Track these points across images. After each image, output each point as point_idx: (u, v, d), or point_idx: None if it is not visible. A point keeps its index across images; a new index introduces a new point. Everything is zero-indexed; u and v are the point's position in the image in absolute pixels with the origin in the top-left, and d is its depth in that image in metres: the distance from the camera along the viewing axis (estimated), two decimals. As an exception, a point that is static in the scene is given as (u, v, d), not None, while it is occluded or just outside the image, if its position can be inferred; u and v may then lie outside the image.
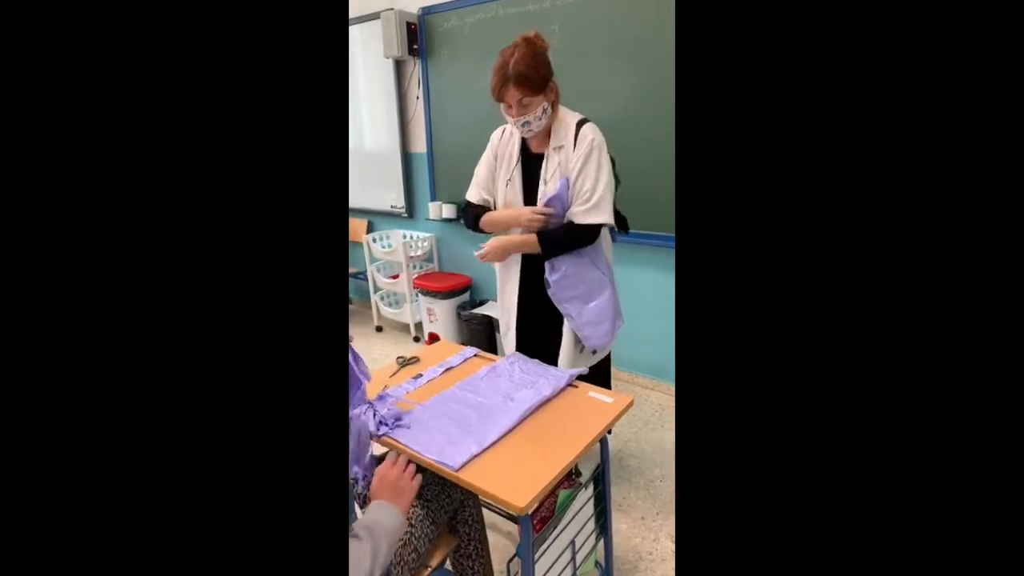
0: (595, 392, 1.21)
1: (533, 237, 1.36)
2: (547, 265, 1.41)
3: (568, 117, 1.38)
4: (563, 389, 1.22)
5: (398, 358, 1.42)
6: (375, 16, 2.91)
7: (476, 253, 1.45)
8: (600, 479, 1.23)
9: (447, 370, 1.36)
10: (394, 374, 1.35)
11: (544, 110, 1.31)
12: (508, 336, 1.58)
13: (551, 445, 1.03)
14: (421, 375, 1.33)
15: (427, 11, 2.79)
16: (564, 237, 1.38)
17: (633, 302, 2.36)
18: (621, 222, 1.51)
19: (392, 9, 2.77)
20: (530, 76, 1.26)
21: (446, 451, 1.01)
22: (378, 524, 0.79)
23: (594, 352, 1.52)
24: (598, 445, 1.19)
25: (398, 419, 1.11)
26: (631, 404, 1.18)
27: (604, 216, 1.35)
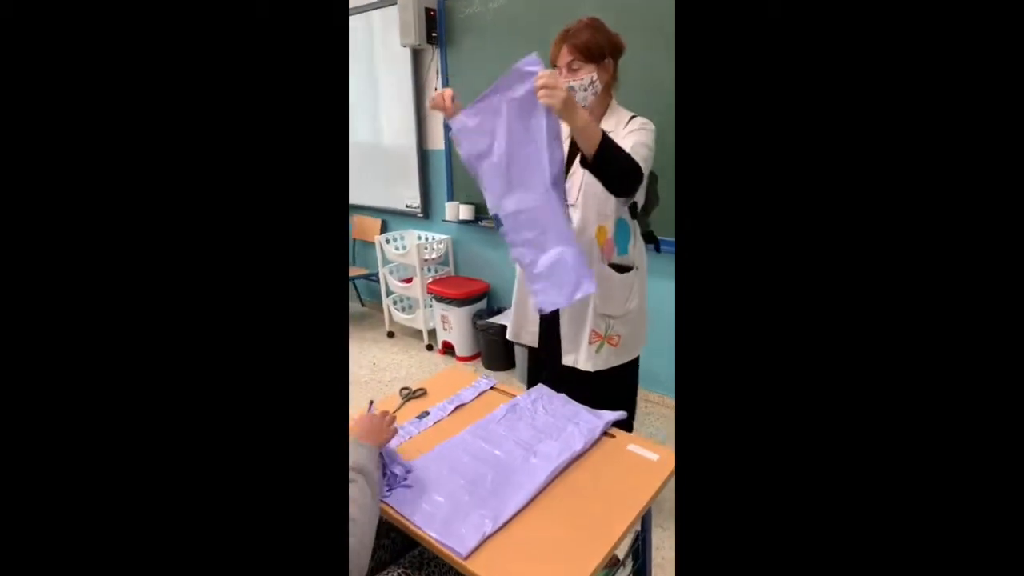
0: (636, 446, 1.00)
1: (595, 125, 1.09)
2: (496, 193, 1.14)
3: (623, 112, 1.30)
4: (597, 440, 1.01)
5: (402, 390, 1.22)
6: (392, 2, 2.71)
7: (541, 77, 1.01)
8: (640, 551, 1.01)
9: (458, 407, 1.15)
10: (396, 409, 1.16)
11: (591, 82, 1.21)
12: (526, 327, 1.44)
13: (584, 522, 0.82)
14: (428, 413, 1.13)
15: (447, -4, 2.59)
16: (620, 154, 1.11)
17: (668, 316, 2.13)
18: (651, 237, 1.43)
19: (410, -7, 2.56)
20: (586, 41, 1.19)
21: (453, 527, 0.81)
22: (366, 468, 0.82)
23: (600, 345, 1.33)
24: (638, 509, 0.98)
25: (404, 477, 0.91)
26: (681, 463, 0.96)
27: (642, 168, 1.17)
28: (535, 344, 1.43)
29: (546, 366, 1.44)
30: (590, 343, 1.34)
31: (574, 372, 1.37)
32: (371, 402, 1.13)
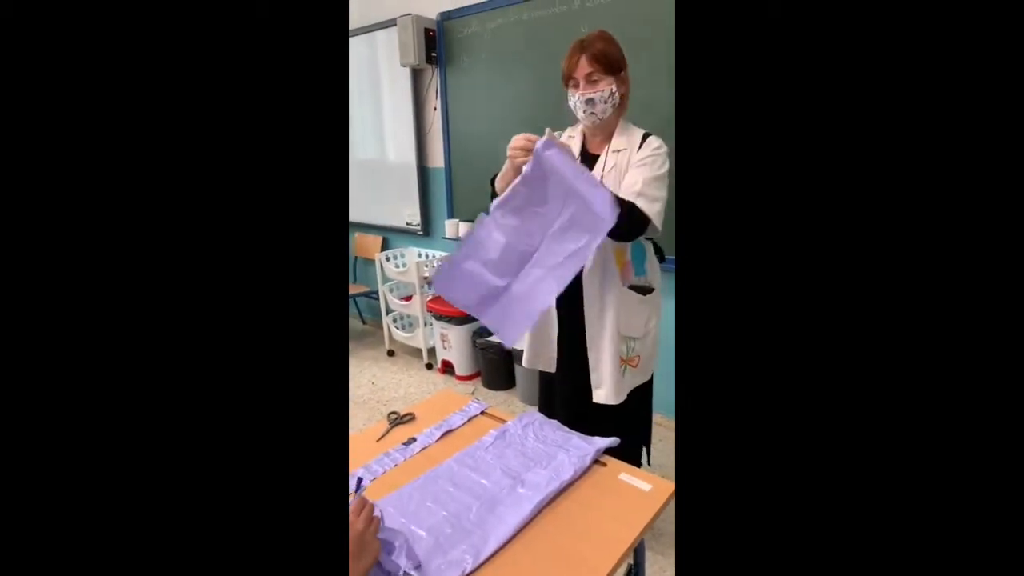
0: (628, 475, 0.96)
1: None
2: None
3: (634, 129, 1.27)
4: (588, 468, 0.97)
5: (390, 414, 1.19)
6: (391, 23, 2.74)
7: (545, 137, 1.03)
8: (633, 586, 0.97)
9: (446, 433, 1.12)
10: (382, 436, 1.13)
11: (611, 94, 1.20)
12: (544, 353, 1.41)
13: (571, 558, 0.78)
14: (414, 439, 1.10)
15: (446, 16, 2.61)
16: (633, 215, 1.13)
17: (671, 335, 2.10)
18: (655, 249, 1.40)
19: (409, 15, 2.59)
20: (606, 52, 1.18)
21: (433, 562, 0.77)
22: None
23: (624, 368, 1.31)
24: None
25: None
26: (674, 493, 0.93)
27: (648, 208, 1.15)
28: (552, 369, 1.41)
29: (562, 391, 1.42)
30: (618, 368, 1.32)
31: (591, 395, 1.34)
32: (359, 481, 0.85)
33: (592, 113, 1.21)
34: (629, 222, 1.11)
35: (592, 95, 1.18)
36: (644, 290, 1.30)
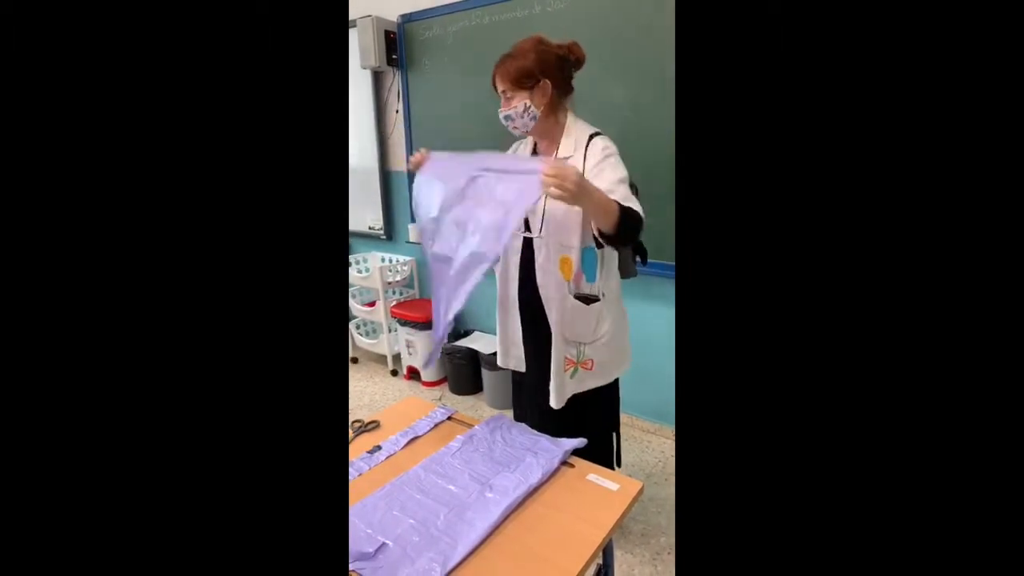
0: (596, 476, 0.96)
1: (613, 202, 1.06)
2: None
3: (578, 131, 1.25)
4: (556, 470, 0.97)
5: (354, 423, 1.16)
6: (351, 24, 2.69)
7: (545, 171, 0.96)
8: (603, 586, 0.97)
9: (412, 440, 1.10)
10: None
11: (526, 108, 1.19)
12: (512, 352, 1.41)
13: (540, 561, 0.78)
14: (380, 447, 1.07)
15: (407, 19, 2.58)
16: (630, 214, 1.08)
17: (637, 337, 2.13)
18: (641, 252, 1.43)
19: (370, 16, 2.55)
20: (512, 69, 1.18)
21: (401, 572, 0.75)
22: None
23: (574, 370, 1.32)
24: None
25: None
26: (641, 492, 0.94)
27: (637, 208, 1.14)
28: (522, 368, 1.40)
29: (528, 392, 1.41)
30: (564, 370, 1.32)
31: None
32: None
33: (514, 128, 1.23)
34: (630, 226, 1.10)
35: (508, 112, 1.20)
36: (587, 299, 1.28)
